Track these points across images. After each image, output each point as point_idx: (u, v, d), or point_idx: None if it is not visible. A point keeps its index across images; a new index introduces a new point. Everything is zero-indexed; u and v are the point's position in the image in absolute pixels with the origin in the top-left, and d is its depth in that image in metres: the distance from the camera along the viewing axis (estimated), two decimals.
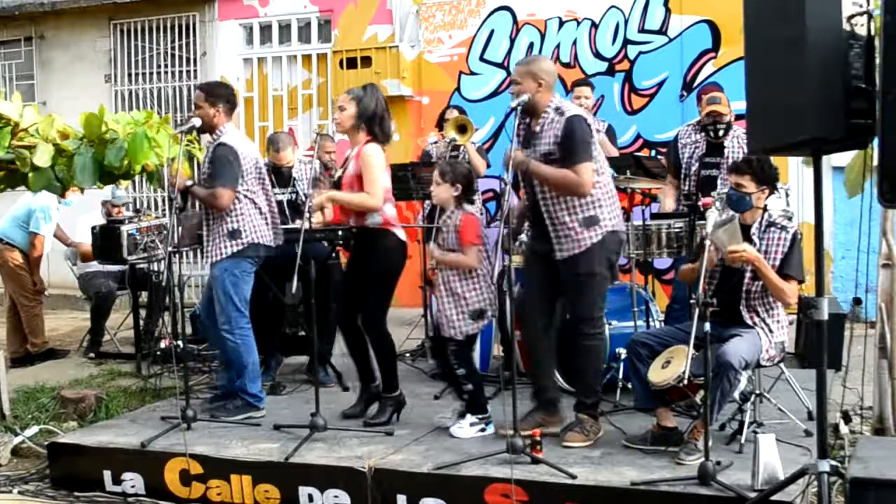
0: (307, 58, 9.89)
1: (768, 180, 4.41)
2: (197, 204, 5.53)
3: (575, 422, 4.56)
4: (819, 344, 3.56)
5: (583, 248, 4.48)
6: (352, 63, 9.19)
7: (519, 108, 4.50)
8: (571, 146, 4.45)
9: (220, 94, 5.27)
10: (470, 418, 4.73)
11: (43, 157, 5.17)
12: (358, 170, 4.89)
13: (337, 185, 5.05)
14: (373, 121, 4.94)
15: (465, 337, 4.70)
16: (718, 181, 5.65)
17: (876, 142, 3.29)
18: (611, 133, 7.12)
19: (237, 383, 5.24)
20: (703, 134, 5.87)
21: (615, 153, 6.78)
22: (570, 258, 4.49)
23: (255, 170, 5.24)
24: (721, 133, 5.75)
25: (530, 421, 4.52)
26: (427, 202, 6.82)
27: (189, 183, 5.20)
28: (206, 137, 5.37)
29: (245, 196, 5.16)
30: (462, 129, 6.69)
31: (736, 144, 5.71)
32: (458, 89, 9.03)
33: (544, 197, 4.52)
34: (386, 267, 4.96)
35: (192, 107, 5.32)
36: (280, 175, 6.10)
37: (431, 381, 5.83)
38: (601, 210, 4.53)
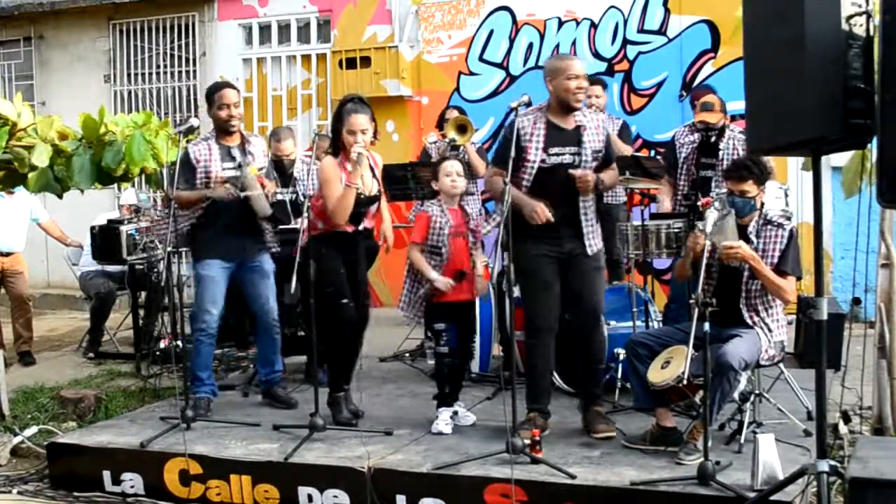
0: (306, 58, 9.89)
1: (766, 177, 4.45)
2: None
3: (594, 414, 4.62)
4: (818, 344, 3.57)
5: (602, 241, 4.73)
6: (351, 63, 9.19)
7: (519, 107, 4.52)
8: (611, 145, 4.79)
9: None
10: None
11: (41, 158, 5.18)
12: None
13: (373, 202, 5.02)
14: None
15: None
16: (713, 182, 5.66)
17: (874, 142, 3.29)
18: (625, 131, 7.07)
19: (279, 367, 5.59)
20: (698, 135, 5.88)
21: (628, 151, 6.74)
22: (598, 252, 4.68)
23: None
24: (713, 139, 5.75)
25: (530, 428, 4.51)
26: (419, 202, 6.79)
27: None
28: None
29: None
30: (462, 129, 6.69)
31: (731, 146, 5.71)
32: (457, 89, 9.04)
33: (584, 199, 4.61)
34: (366, 269, 5.29)
35: (235, 107, 5.32)
36: (282, 169, 6.08)
37: (431, 381, 5.83)
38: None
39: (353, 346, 5.11)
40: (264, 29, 10.09)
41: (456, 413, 4.91)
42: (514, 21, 8.87)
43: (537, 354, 4.74)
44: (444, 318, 4.81)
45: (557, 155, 4.55)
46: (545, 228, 4.54)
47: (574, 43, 8.65)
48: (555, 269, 4.62)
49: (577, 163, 4.56)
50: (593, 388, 4.73)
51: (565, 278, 4.65)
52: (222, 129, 5.32)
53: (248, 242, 5.37)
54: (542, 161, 4.52)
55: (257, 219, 5.34)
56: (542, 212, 4.46)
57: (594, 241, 4.65)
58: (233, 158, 5.30)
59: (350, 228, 4.92)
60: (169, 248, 5.03)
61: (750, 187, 4.36)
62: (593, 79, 7.27)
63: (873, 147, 3.39)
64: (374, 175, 5.01)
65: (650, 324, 5.44)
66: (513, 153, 4.39)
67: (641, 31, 8.46)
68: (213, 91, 5.36)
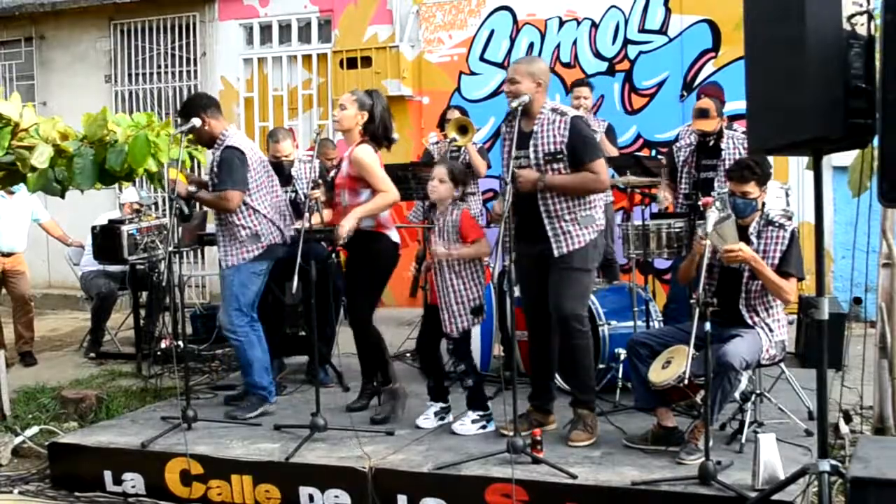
0: (307, 58, 9.89)
1: (767, 177, 4.44)
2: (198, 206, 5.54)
3: (576, 420, 4.57)
4: (819, 343, 3.57)
5: (581, 244, 4.52)
6: (352, 63, 9.20)
7: (519, 109, 4.52)
8: (583, 145, 4.48)
9: (196, 105, 5.30)
10: (472, 415, 4.77)
11: (41, 158, 5.17)
12: (353, 171, 4.95)
13: (330, 186, 5.12)
14: (375, 126, 5.03)
15: (460, 333, 4.76)
16: (715, 182, 5.65)
17: (876, 141, 3.29)
18: (611, 133, 7.12)
19: (246, 380, 5.34)
20: (696, 136, 5.87)
21: (615, 153, 6.77)
22: (567, 254, 4.50)
23: (263, 168, 5.34)
24: (711, 143, 5.75)
25: (525, 423, 4.51)
26: (424, 202, 6.80)
27: (193, 189, 5.24)
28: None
29: (257, 198, 5.24)
30: (463, 130, 6.69)
31: (731, 146, 5.71)
32: (458, 89, 9.04)
33: (544, 197, 4.50)
34: (375, 269, 5.08)
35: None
36: (280, 171, 6.07)
37: None
38: (595, 210, 4.59)
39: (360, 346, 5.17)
40: (265, 29, 10.09)
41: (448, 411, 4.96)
42: (515, 21, 8.87)
43: (530, 352, 4.78)
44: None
45: (517, 158, 4.54)
46: (523, 231, 4.52)
47: (575, 43, 8.65)
48: (536, 268, 4.59)
49: (530, 166, 4.50)
50: (574, 392, 4.66)
51: (544, 278, 4.62)
52: None
53: (218, 246, 5.35)
54: (509, 165, 4.49)
55: (219, 222, 5.29)
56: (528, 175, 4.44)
57: (563, 242, 4.49)
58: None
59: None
60: (170, 248, 5.04)
61: (752, 188, 4.36)
62: (580, 81, 7.32)
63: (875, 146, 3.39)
64: (339, 162, 5.05)
65: (651, 323, 5.44)
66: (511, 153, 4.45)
67: (642, 30, 8.46)
68: (203, 96, 5.50)
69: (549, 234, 4.50)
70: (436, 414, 4.91)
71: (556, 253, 4.50)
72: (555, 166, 4.48)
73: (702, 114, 5.70)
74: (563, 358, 4.67)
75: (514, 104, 4.49)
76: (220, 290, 5.43)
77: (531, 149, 4.52)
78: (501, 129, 4.67)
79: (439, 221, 4.82)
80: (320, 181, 5.09)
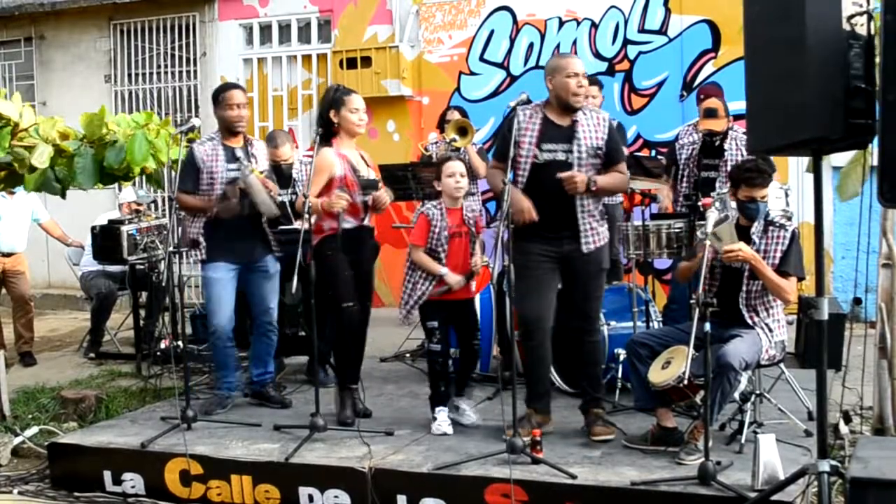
0: (307, 58, 9.89)
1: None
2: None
3: (593, 417, 4.59)
4: (819, 344, 3.57)
5: (604, 241, 4.64)
6: (352, 63, 9.20)
7: (518, 106, 4.52)
8: (618, 146, 4.69)
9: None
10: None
11: (41, 158, 5.18)
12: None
13: (371, 186, 5.07)
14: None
15: None
16: (717, 183, 5.64)
17: (875, 142, 3.29)
18: (621, 131, 7.05)
19: (272, 371, 5.63)
20: (699, 135, 5.86)
21: (625, 152, 6.71)
22: (595, 251, 4.59)
23: None
24: (717, 143, 5.74)
25: (527, 425, 4.51)
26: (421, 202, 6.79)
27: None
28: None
29: None
30: (463, 131, 6.69)
31: (735, 146, 5.70)
32: (458, 89, 9.04)
33: (582, 198, 4.53)
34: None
35: (242, 107, 5.31)
36: (280, 174, 6.07)
37: None
38: (602, 206, 4.72)
39: (359, 345, 5.14)
40: (265, 29, 10.09)
41: (457, 408, 4.94)
42: (515, 21, 8.87)
43: (529, 356, 4.75)
44: (438, 315, 4.83)
45: (550, 151, 4.52)
46: (544, 227, 4.50)
47: (574, 43, 8.65)
48: (551, 269, 4.59)
49: (570, 160, 4.50)
50: (589, 390, 4.69)
51: (564, 279, 4.64)
52: (228, 130, 5.29)
53: (254, 245, 5.36)
54: (535, 157, 4.49)
55: (261, 221, 5.32)
56: (528, 213, 4.43)
57: (592, 240, 4.56)
58: (236, 160, 5.26)
59: (356, 221, 4.93)
60: (170, 249, 5.03)
61: (766, 190, 4.38)
62: (590, 78, 7.27)
63: (873, 147, 3.39)
64: (367, 165, 5.07)
65: (651, 324, 5.44)
66: (512, 150, 4.40)
67: (642, 30, 8.46)
68: (221, 91, 5.34)
69: (581, 229, 4.55)
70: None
71: (584, 249, 4.56)
72: (593, 161, 4.55)
73: (710, 113, 5.68)
74: (582, 358, 4.70)
75: (514, 102, 4.51)
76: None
77: (575, 142, 4.52)
78: (517, 121, 4.55)
79: (466, 215, 4.91)
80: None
